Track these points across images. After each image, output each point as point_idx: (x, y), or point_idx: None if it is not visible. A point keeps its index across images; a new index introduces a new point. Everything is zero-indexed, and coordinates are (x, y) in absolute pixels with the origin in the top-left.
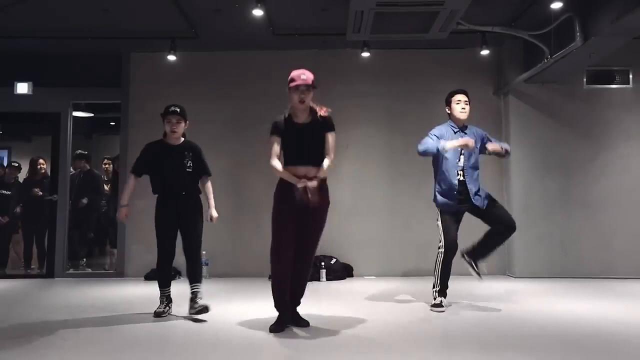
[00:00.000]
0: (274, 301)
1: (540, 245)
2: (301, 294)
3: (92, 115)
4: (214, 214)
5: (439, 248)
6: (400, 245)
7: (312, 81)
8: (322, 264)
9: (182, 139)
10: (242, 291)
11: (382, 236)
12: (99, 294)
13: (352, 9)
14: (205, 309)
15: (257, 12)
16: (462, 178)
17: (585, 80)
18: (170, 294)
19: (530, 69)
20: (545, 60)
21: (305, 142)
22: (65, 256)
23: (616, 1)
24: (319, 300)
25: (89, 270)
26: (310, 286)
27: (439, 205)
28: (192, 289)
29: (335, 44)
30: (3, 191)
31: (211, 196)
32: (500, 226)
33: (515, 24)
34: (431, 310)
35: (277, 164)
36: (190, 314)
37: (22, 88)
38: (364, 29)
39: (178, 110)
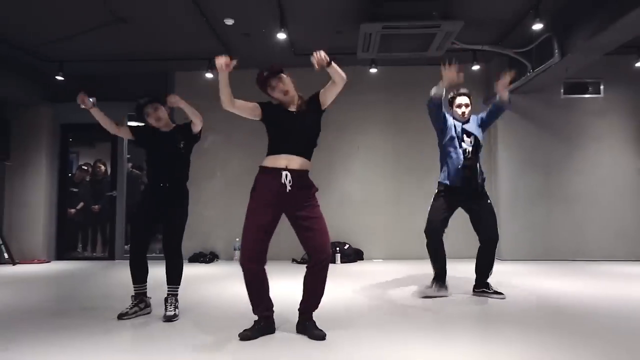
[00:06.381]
0: (251, 305)
1: (524, 232)
2: (315, 300)
3: (144, 125)
4: (176, 98)
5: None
6: (404, 232)
7: (278, 68)
8: (337, 248)
9: (173, 125)
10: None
11: (388, 224)
12: (151, 274)
13: (362, 32)
14: (169, 319)
15: (281, 36)
16: (470, 156)
17: (562, 90)
18: (145, 292)
19: (514, 81)
20: (528, 74)
21: (295, 129)
22: (123, 242)
23: (589, 22)
24: (334, 281)
25: None
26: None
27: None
28: (167, 291)
29: (347, 61)
30: (72, 189)
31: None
32: (484, 238)
33: (501, 43)
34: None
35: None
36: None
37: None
38: (372, 48)
39: (149, 98)
